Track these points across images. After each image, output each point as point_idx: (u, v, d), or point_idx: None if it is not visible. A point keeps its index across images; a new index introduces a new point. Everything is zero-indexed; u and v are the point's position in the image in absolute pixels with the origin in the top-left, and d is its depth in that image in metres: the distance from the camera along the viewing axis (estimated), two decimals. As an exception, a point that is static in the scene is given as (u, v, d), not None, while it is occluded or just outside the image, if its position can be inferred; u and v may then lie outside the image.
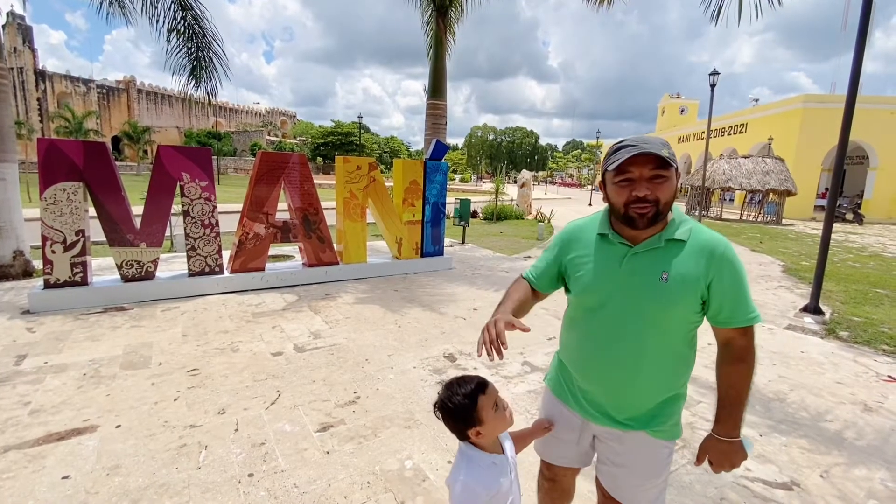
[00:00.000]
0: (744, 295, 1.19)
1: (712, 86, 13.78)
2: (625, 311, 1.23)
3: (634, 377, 1.25)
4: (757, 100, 32.38)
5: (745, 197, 20.78)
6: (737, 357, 1.24)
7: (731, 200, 26.34)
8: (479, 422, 1.22)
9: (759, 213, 19.89)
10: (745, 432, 1.28)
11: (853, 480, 2.40)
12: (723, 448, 1.25)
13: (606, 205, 1.28)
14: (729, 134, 29.21)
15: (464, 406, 1.22)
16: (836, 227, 17.24)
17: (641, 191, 1.13)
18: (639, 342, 1.23)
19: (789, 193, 18.81)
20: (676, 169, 1.16)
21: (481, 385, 1.24)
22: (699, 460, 1.31)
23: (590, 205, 26.47)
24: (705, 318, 1.25)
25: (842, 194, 24.08)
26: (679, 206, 1.26)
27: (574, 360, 1.39)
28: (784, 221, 19.26)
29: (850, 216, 20.09)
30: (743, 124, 27.77)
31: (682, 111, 43.58)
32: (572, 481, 1.64)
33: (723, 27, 5.62)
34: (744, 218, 20.18)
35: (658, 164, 1.13)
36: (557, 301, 2.01)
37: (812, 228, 17.11)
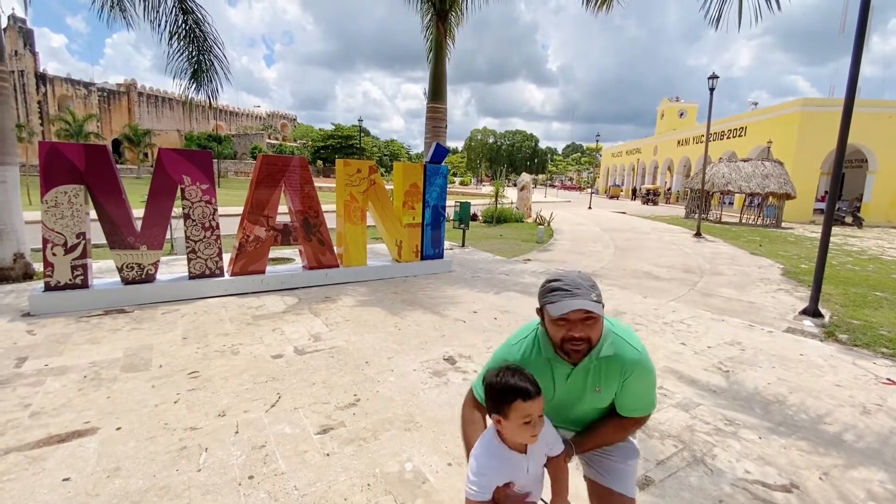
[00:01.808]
0: (644, 395, 1.49)
1: (711, 89, 13.83)
2: (570, 405, 1.55)
3: (587, 424, 1.60)
4: (756, 103, 32.52)
5: (745, 200, 20.81)
6: (623, 428, 1.55)
7: (731, 204, 26.37)
8: (504, 416, 1.30)
9: (759, 217, 19.92)
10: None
11: (852, 482, 2.40)
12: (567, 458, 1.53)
13: (540, 328, 1.51)
14: (728, 137, 29.28)
15: (500, 393, 1.30)
16: (836, 230, 17.27)
17: (577, 331, 1.36)
18: (583, 417, 1.59)
19: (788, 197, 18.84)
20: (602, 306, 1.37)
21: (526, 392, 1.28)
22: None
23: (589, 208, 26.49)
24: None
25: (841, 197, 24.12)
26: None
27: None
28: (783, 224, 19.29)
29: (849, 219, 20.11)
30: (742, 128, 27.84)
31: (682, 114, 43.75)
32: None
33: (721, 31, 5.65)
34: (743, 221, 20.21)
35: (590, 310, 1.33)
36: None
37: (811, 231, 17.14)
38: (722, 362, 3.99)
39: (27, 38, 52.45)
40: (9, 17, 45.46)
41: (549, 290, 1.38)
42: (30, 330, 4.10)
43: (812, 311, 5.44)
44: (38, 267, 5.70)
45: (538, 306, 1.45)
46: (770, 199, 19.35)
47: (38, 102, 53.57)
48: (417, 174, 6.94)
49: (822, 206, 20.19)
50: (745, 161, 20.75)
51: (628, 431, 1.57)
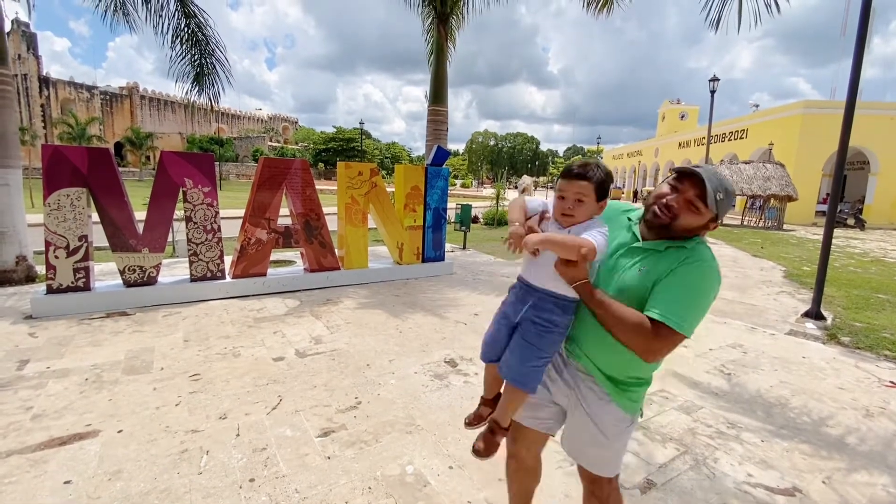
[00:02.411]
0: (682, 300, 1.24)
1: (712, 92, 13.85)
2: (607, 274, 1.40)
3: (606, 336, 1.35)
4: (757, 105, 32.47)
5: (746, 202, 20.78)
6: (640, 325, 1.27)
7: (733, 206, 26.33)
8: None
9: (761, 219, 19.88)
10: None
11: (855, 486, 2.39)
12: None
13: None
14: (729, 139, 29.27)
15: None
16: (838, 232, 17.22)
17: (672, 200, 1.29)
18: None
19: (790, 199, 18.80)
20: (715, 218, 1.29)
21: (567, 170, 1.37)
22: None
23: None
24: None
25: (843, 199, 24.07)
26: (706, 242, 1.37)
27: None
28: (785, 227, 19.25)
29: (851, 221, 20.07)
30: (743, 130, 27.83)
31: (683, 117, 43.72)
32: (536, 459, 1.70)
33: (722, 34, 5.66)
34: (745, 223, 20.17)
35: (703, 196, 1.25)
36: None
37: (813, 234, 17.10)
38: (724, 365, 3.98)
39: (30, 41, 52.77)
40: (12, 20, 45.74)
41: (694, 166, 1.31)
42: (32, 332, 4.11)
43: (814, 314, 5.42)
44: (41, 269, 5.71)
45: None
46: (772, 201, 19.32)
47: (41, 106, 53.83)
48: (419, 177, 6.95)
49: (824, 208, 20.16)
50: (746, 163, 20.74)
51: (642, 338, 1.23)
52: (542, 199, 1.54)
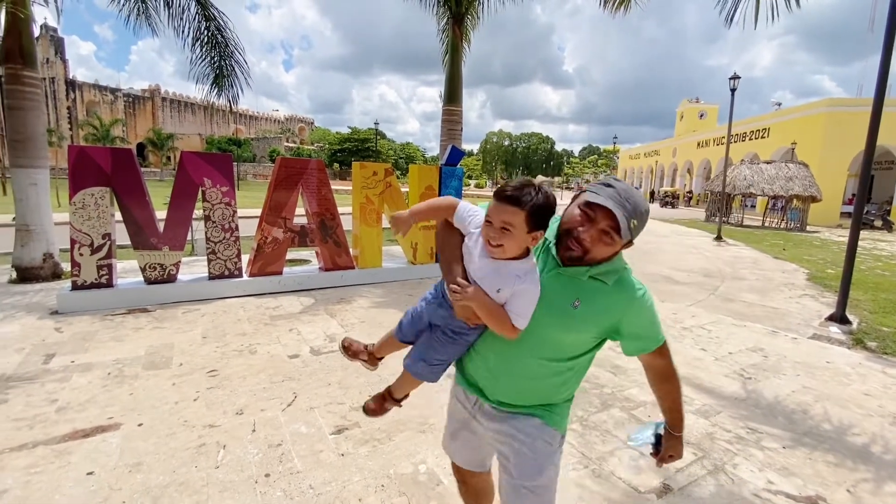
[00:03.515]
0: (649, 329, 1.28)
1: (733, 90, 13.55)
2: (538, 314, 1.24)
3: (511, 368, 1.30)
4: (779, 104, 31.76)
5: (768, 203, 20.31)
6: (663, 377, 1.36)
7: (753, 207, 25.79)
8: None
9: (783, 220, 19.41)
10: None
11: (881, 497, 2.31)
12: (679, 442, 1.40)
13: None
14: (750, 139, 28.67)
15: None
16: (864, 234, 16.71)
17: (585, 233, 1.16)
18: (526, 345, 1.26)
19: (814, 199, 18.33)
20: (626, 244, 1.19)
21: (500, 192, 1.16)
22: (664, 459, 1.41)
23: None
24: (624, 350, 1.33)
25: (870, 200, 23.35)
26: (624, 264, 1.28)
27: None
28: (808, 228, 18.76)
29: (878, 223, 19.47)
30: (765, 129, 27.23)
31: (702, 116, 42.97)
32: (484, 484, 1.66)
33: (742, 31, 5.55)
34: (766, 224, 19.72)
35: (616, 227, 1.13)
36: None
37: (838, 235, 16.63)
38: (744, 369, 3.89)
39: (58, 46, 54.42)
40: (41, 26, 47.19)
41: (602, 183, 1.19)
42: (57, 327, 4.23)
43: (839, 318, 5.27)
44: (66, 266, 5.88)
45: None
46: (794, 201, 18.85)
47: (68, 108, 55.43)
48: (433, 177, 6.96)
49: (850, 209, 19.58)
50: (767, 163, 20.28)
51: (671, 379, 1.34)
52: (481, 215, 1.28)
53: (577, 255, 1.18)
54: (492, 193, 1.19)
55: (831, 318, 5.35)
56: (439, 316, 1.37)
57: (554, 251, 1.26)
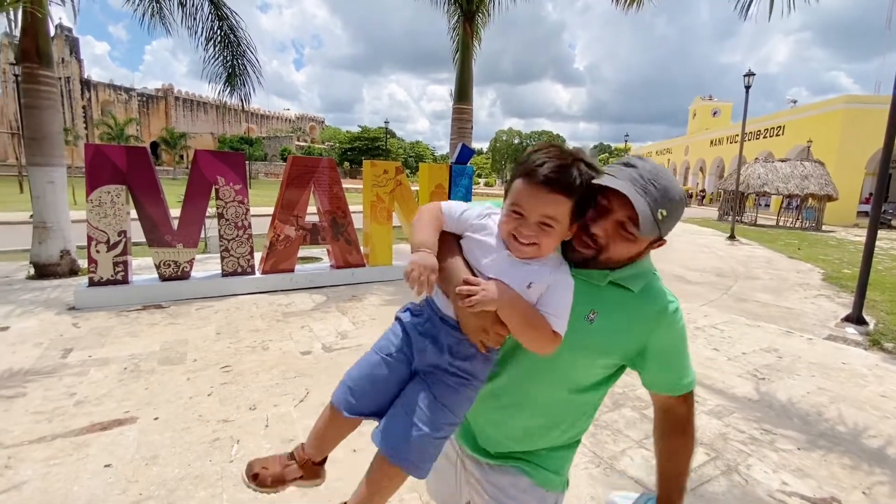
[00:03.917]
0: (681, 360, 1.01)
1: (747, 87, 13.34)
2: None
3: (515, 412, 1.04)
4: (795, 101, 31.24)
5: (783, 202, 20.00)
6: (677, 428, 1.05)
7: (767, 206, 25.40)
8: (505, 192, 0.93)
9: (798, 219, 19.11)
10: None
11: (899, 499, 2.27)
12: None
13: None
14: (765, 137, 28.24)
15: (520, 161, 0.92)
16: (881, 233, 16.36)
17: (598, 227, 0.91)
18: (541, 368, 0.99)
19: (830, 198, 18.01)
20: (656, 241, 0.95)
21: (532, 172, 0.85)
22: None
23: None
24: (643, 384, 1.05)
25: (887, 199, 22.89)
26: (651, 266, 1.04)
27: None
28: (824, 227, 18.45)
29: (896, 222, 19.07)
30: (780, 126, 26.81)
31: (715, 113, 42.41)
32: None
33: (756, 27, 5.48)
34: (780, 223, 19.43)
35: (632, 213, 0.87)
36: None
37: (855, 235, 16.33)
38: (757, 369, 3.85)
39: (73, 46, 55.28)
40: (56, 26, 47.97)
41: (621, 162, 0.93)
42: (75, 323, 4.32)
43: (855, 318, 5.18)
44: (83, 263, 5.98)
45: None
46: (809, 200, 18.55)
47: (83, 107, 56.32)
48: (443, 175, 6.96)
49: (867, 208, 19.20)
50: (782, 161, 19.96)
51: (687, 433, 1.03)
52: (479, 207, 1.00)
53: (590, 254, 0.92)
54: (511, 174, 0.91)
55: (847, 319, 5.26)
56: (432, 352, 0.95)
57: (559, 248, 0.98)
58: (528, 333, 0.88)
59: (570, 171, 0.83)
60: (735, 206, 14.86)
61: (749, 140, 28.12)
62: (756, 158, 24.14)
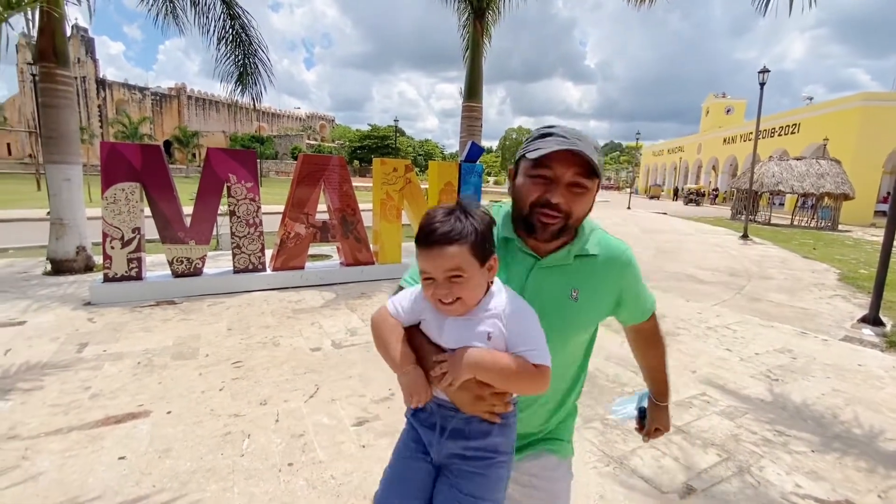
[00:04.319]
0: (644, 291, 1.18)
1: (762, 84, 13.13)
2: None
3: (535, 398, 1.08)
4: (811, 98, 30.69)
5: (797, 201, 19.67)
6: (651, 341, 1.26)
7: (781, 205, 25.01)
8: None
9: (813, 218, 18.79)
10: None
11: (917, 503, 2.23)
12: (665, 413, 1.33)
13: (510, 200, 1.07)
14: (779, 135, 27.80)
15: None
16: (900, 233, 16.06)
17: (555, 196, 0.93)
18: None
19: (846, 197, 17.68)
20: (599, 183, 0.98)
21: (422, 234, 0.89)
22: (650, 433, 1.33)
23: (628, 208, 25.77)
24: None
25: (906, 198, 22.42)
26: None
27: None
28: (840, 227, 18.12)
29: (915, 222, 18.65)
30: (795, 124, 26.38)
31: (728, 111, 41.84)
32: None
33: (773, 22, 5.39)
34: (795, 223, 19.12)
35: (584, 170, 0.92)
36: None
37: (872, 235, 16.02)
38: (770, 370, 3.79)
39: (89, 46, 56.16)
40: (72, 26, 48.75)
41: (536, 137, 0.96)
42: (90, 318, 4.39)
43: (872, 319, 5.09)
44: (98, 259, 6.08)
45: (511, 165, 1.04)
46: (825, 199, 18.22)
47: (98, 106, 57.21)
48: (452, 173, 6.95)
49: (885, 207, 18.83)
50: (797, 159, 19.62)
51: (659, 344, 1.26)
52: (413, 290, 1.00)
53: (559, 224, 0.95)
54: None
55: (864, 320, 5.17)
56: (445, 443, 0.93)
57: (520, 244, 1.02)
58: (514, 383, 0.88)
59: (449, 221, 0.86)
60: (748, 204, 14.64)
61: (763, 138, 27.68)
62: (770, 157, 23.76)
